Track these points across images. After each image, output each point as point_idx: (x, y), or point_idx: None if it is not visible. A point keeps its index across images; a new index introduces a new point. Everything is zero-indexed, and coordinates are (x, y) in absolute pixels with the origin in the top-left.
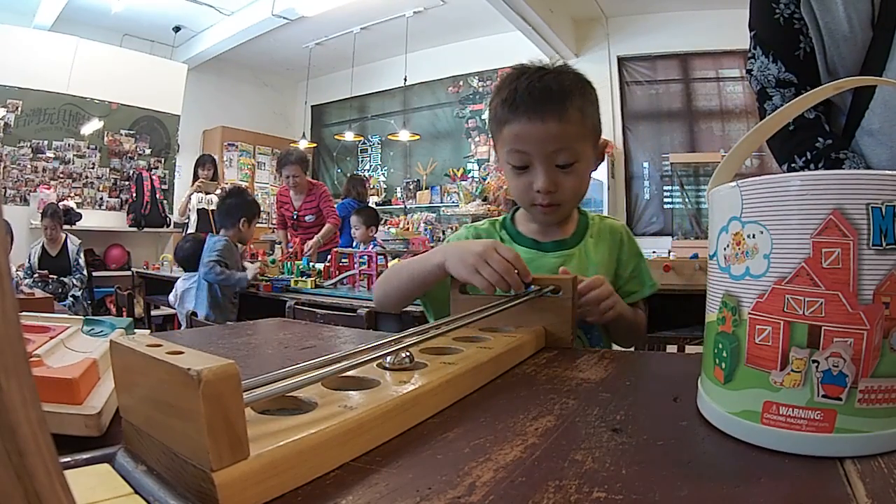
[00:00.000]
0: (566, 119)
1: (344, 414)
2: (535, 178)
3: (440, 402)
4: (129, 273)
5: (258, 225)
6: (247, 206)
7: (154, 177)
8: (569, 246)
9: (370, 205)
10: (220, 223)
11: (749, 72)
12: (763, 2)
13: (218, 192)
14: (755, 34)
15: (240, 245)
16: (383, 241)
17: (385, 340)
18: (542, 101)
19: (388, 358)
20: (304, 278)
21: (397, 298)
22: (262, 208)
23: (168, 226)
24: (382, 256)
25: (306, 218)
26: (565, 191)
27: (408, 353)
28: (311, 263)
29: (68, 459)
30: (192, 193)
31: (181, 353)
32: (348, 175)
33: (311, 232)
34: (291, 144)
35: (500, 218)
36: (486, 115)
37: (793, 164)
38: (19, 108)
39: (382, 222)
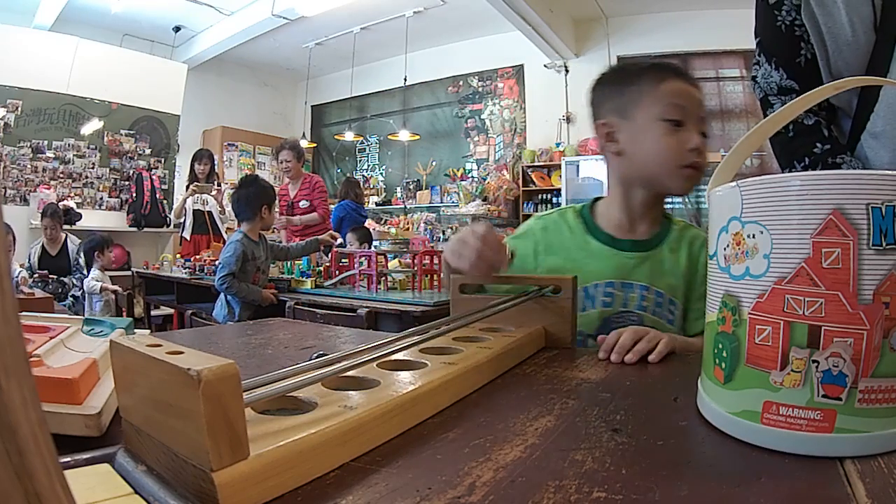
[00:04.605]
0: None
1: (344, 414)
2: (689, 136)
3: (440, 402)
4: (128, 273)
5: None
6: (264, 193)
7: (154, 177)
8: (645, 248)
9: (365, 209)
10: (239, 215)
11: (753, 79)
12: (766, 9)
13: (213, 192)
14: (759, 42)
15: (263, 233)
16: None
17: (385, 340)
18: (688, 73)
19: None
20: (304, 278)
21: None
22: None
23: (168, 226)
24: (382, 256)
25: (301, 203)
26: (705, 160)
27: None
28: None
29: (68, 459)
30: (187, 197)
31: (181, 353)
32: (346, 176)
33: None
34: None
35: (577, 206)
36: (485, 115)
37: (793, 171)
38: (19, 108)
39: (382, 222)
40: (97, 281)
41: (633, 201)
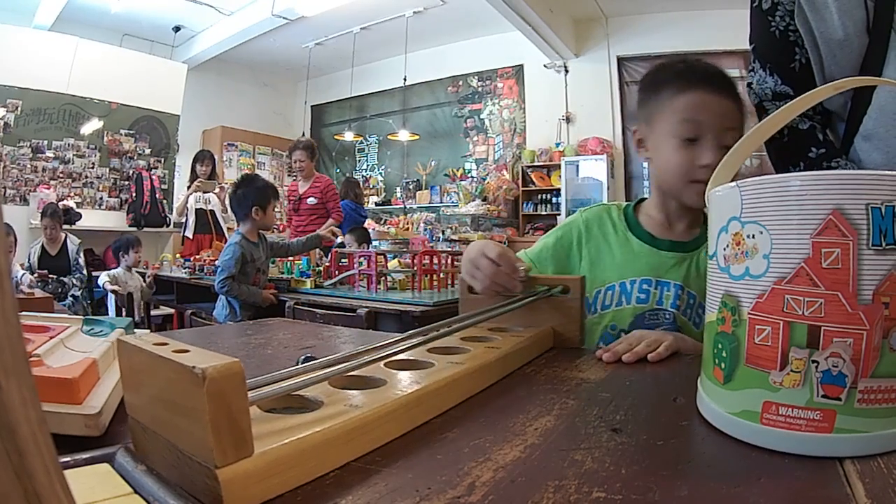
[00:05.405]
0: (738, 101)
1: (348, 413)
2: (702, 152)
3: (446, 402)
4: None
5: None
6: (257, 193)
7: (154, 177)
8: (684, 249)
9: (364, 210)
10: (236, 216)
11: (749, 85)
12: (760, 15)
13: (216, 191)
14: (754, 48)
15: (262, 232)
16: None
17: (392, 340)
18: (719, 78)
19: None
20: (303, 278)
21: None
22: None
23: (168, 225)
24: (382, 256)
25: (308, 200)
26: None
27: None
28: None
29: (68, 459)
30: (190, 194)
31: (186, 351)
32: (346, 176)
33: (310, 215)
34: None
35: (622, 204)
36: (484, 115)
37: None
38: (19, 108)
39: (382, 222)
40: (107, 281)
41: (668, 204)
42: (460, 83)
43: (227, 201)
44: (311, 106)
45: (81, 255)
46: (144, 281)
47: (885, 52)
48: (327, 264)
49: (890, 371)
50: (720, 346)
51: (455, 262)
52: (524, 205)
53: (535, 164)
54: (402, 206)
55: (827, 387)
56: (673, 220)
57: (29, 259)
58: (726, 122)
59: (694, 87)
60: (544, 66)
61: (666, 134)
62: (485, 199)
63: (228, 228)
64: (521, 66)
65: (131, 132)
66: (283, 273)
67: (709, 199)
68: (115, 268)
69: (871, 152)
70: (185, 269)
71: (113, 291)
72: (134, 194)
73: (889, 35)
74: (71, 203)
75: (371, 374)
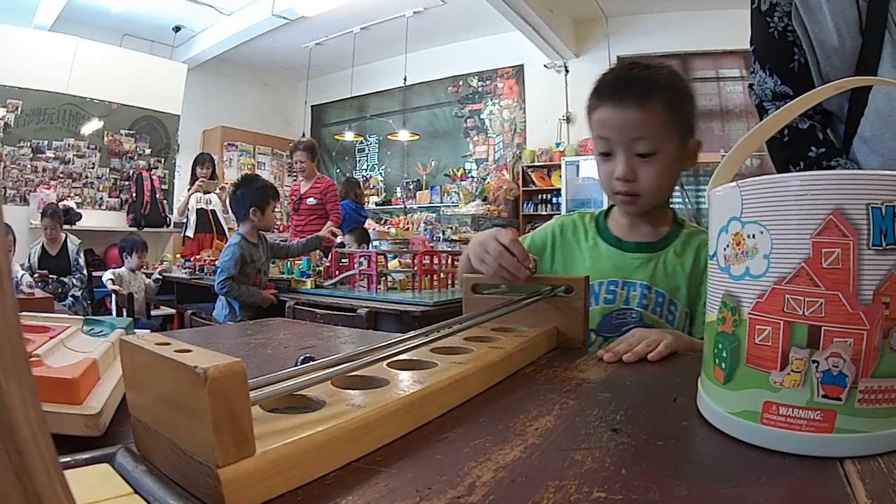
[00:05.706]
0: (648, 108)
1: (350, 413)
2: (614, 165)
3: (449, 402)
4: None
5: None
6: (255, 194)
7: (154, 177)
8: (650, 249)
9: (365, 210)
10: (236, 216)
11: (750, 86)
12: (759, 17)
13: (217, 191)
14: (754, 49)
15: (263, 233)
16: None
17: (395, 340)
18: (625, 88)
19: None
20: (304, 278)
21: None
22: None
23: (168, 226)
24: (382, 256)
25: (308, 200)
26: (643, 181)
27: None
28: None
29: (68, 459)
30: (192, 194)
31: (189, 351)
32: (346, 176)
33: (309, 215)
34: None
35: (597, 211)
36: (485, 115)
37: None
38: (19, 108)
39: (382, 222)
40: (111, 279)
41: None
42: (460, 83)
43: (227, 201)
44: (311, 106)
45: (81, 255)
46: (149, 278)
47: (879, 51)
48: (327, 264)
49: (890, 371)
50: (720, 346)
51: (455, 263)
52: (524, 205)
53: (536, 164)
54: (402, 206)
55: (827, 387)
56: (636, 222)
57: (29, 259)
58: (632, 133)
59: (601, 104)
60: (544, 66)
61: (594, 149)
62: (485, 199)
63: (229, 228)
64: (522, 66)
65: (131, 132)
66: (283, 273)
67: (709, 198)
68: (116, 267)
69: (868, 155)
70: (185, 269)
71: (114, 291)
72: (134, 194)
73: (883, 35)
74: (71, 203)
75: (374, 373)
